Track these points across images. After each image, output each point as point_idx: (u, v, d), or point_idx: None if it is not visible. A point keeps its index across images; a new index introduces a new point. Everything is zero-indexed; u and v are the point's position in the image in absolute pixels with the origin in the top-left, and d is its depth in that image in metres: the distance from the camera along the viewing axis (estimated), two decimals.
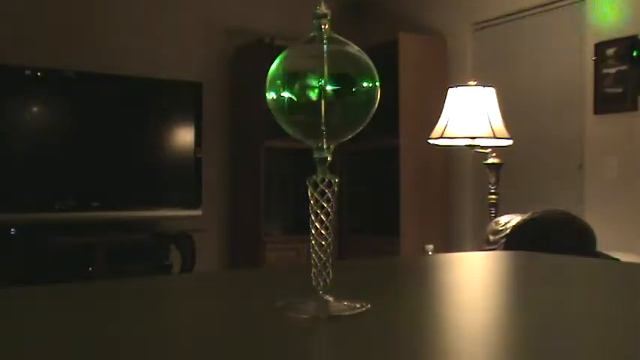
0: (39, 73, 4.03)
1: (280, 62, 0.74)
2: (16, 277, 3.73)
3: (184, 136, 4.49)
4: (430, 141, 3.52)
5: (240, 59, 4.87)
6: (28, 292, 0.98)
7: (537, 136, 4.12)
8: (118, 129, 4.30)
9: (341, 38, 0.75)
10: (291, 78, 0.74)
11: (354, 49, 0.75)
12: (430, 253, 3.66)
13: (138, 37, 4.59)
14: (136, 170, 4.37)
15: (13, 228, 3.89)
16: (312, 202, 0.75)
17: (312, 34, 0.75)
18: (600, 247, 2.51)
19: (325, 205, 0.74)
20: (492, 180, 3.44)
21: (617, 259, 2.28)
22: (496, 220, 2.62)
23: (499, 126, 3.38)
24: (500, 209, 3.38)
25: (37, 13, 4.27)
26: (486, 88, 3.45)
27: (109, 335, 0.68)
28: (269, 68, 0.75)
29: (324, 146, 0.75)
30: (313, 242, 0.75)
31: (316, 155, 0.75)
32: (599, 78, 3.73)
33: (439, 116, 3.49)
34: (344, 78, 0.74)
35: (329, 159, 0.75)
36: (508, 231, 2.46)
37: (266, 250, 4.59)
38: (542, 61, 4.15)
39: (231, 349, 0.63)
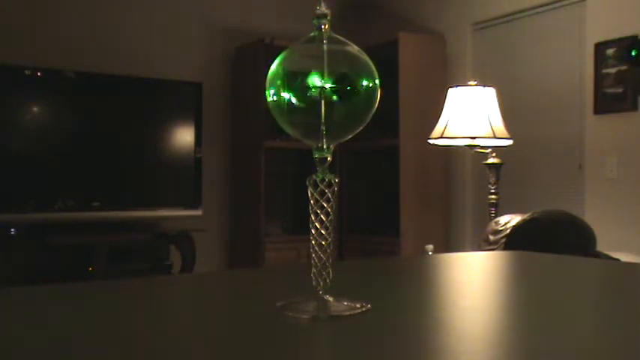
0: (39, 73, 4.03)
1: (280, 62, 0.74)
2: (16, 277, 3.73)
3: (184, 136, 4.49)
4: (430, 141, 3.52)
5: (240, 59, 4.88)
6: (28, 292, 0.98)
7: (537, 136, 4.13)
8: (117, 129, 4.30)
9: (341, 38, 0.75)
10: (291, 78, 0.74)
11: (354, 49, 0.75)
12: (430, 253, 3.66)
13: (138, 38, 4.60)
14: (136, 170, 4.37)
15: (13, 228, 3.89)
16: (312, 202, 0.75)
17: (312, 34, 0.75)
18: (600, 247, 2.51)
19: (325, 205, 0.74)
20: (492, 180, 3.44)
21: (617, 259, 2.28)
22: (496, 220, 2.62)
23: (499, 126, 3.38)
24: (500, 209, 3.38)
25: (37, 14, 4.27)
26: (486, 88, 3.45)
27: (109, 335, 0.68)
28: (269, 68, 0.75)
29: (324, 146, 0.75)
30: (313, 242, 0.75)
31: (316, 155, 0.75)
32: (599, 78, 3.74)
33: (439, 116, 3.49)
34: (344, 78, 0.74)
35: (329, 159, 0.75)
36: (508, 231, 2.46)
37: (266, 250, 4.59)
38: (542, 61, 4.15)
39: (231, 349, 0.63)
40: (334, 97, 0.72)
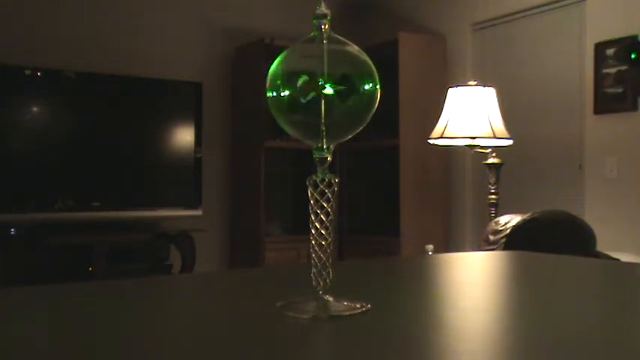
0: (39, 73, 4.03)
1: (280, 62, 0.74)
2: (16, 277, 3.73)
3: (184, 136, 4.49)
4: (430, 141, 3.52)
5: (240, 59, 4.88)
6: (28, 292, 0.98)
7: (537, 136, 4.13)
8: (117, 129, 4.30)
9: (341, 38, 0.75)
10: (291, 78, 0.74)
11: (354, 49, 0.75)
12: (430, 253, 3.66)
13: (138, 38, 4.60)
14: (136, 170, 4.37)
15: (13, 228, 3.89)
16: (312, 202, 0.75)
17: (312, 34, 0.75)
18: (600, 247, 2.52)
19: (325, 205, 0.74)
20: (492, 180, 3.44)
21: (617, 259, 2.28)
22: (496, 220, 2.62)
23: (499, 126, 3.38)
24: (500, 209, 3.38)
25: (37, 14, 4.27)
26: (486, 88, 3.45)
27: (108, 335, 0.68)
28: (269, 68, 0.75)
29: (324, 146, 0.75)
30: (313, 242, 0.75)
31: (316, 155, 0.75)
32: (599, 78, 3.73)
33: (439, 116, 3.49)
34: (344, 78, 0.74)
35: (329, 159, 0.75)
36: (508, 231, 2.46)
37: (266, 250, 4.59)
38: (542, 61, 4.15)
39: (232, 349, 0.63)
40: (334, 98, 0.72)
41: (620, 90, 3.64)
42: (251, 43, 4.71)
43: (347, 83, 0.73)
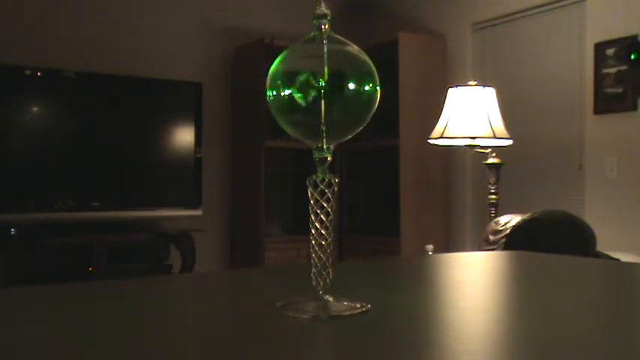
0: (39, 73, 4.03)
1: (280, 62, 0.74)
2: (16, 277, 3.73)
3: (184, 136, 4.49)
4: (430, 141, 3.52)
5: (240, 59, 4.88)
6: (28, 292, 0.98)
7: (537, 136, 4.13)
8: (117, 129, 4.30)
9: (341, 38, 0.75)
10: (291, 78, 0.74)
11: (354, 49, 0.75)
12: (430, 253, 3.66)
13: (138, 38, 4.60)
14: (136, 170, 4.37)
15: (13, 228, 3.89)
16: (312, 202, 0.75)
17: (312, 34, 0.75)
18: (600, 247, 2.52)
19: (325, 205, 0.74)
20: (492, 180, 3.44)
21: (617, 259, 2.28)
22: (496, 220, 2.62)
23: (499, 126, 3.38)
24: (500, 209, 3.38)
25: (37, 14, 4.27)
26: (486, 88, 3.45)
27: (108, 335, 0.68)
28: (269, 68, 0.75)
29: (324, 146, 0.75)
30: (313, 242, 0.75)
31: (316, 155, 0.75)
32: (599, 78, 3.74)
33: (439, 116, 3.49)
34: (344, 78, 0.74)
35: (329, 159, 0.75)
36: (508, 231, 2.46)
37: (266, 250, 4.59)
38: (542, 61, 4.15)
39: (232, 349, 0.63)
40: (334, 98, 0.72)
41: (620, 90, 3.64)
42: (251, 43, 4.71)
43: (347, 83, 0.73)
